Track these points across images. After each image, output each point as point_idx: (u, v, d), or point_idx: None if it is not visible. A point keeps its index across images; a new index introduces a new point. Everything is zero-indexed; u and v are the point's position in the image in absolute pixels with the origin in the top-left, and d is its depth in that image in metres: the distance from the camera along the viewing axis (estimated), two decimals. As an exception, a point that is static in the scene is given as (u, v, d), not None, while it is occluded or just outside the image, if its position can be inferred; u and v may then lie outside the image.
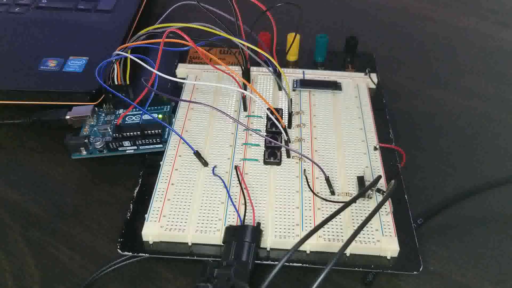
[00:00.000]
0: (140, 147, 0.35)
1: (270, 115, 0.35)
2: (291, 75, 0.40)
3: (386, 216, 0.30)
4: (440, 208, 0.33)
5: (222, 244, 0.28)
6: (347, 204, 0.27)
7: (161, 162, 0.33)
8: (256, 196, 0.31)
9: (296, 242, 0.25)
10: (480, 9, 0.55)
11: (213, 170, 0.32)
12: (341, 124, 0.36)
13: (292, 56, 0.43)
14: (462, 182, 0.35)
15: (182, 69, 0.41)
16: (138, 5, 0.48)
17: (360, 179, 0.32)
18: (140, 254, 0.28)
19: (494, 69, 0.46)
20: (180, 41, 0.33)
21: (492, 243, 0.31)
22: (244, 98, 0.37)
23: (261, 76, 0.40)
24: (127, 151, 0.35)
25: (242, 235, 0.28)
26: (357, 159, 0.33)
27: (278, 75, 0.38)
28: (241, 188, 0.31)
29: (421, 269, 0.28)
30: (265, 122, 0.36)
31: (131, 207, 0.31)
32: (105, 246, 0.30)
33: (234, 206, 0.30)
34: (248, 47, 0.35)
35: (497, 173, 0.36)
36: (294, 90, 0.39)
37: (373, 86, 0.41)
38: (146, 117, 0.35)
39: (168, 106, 0.37)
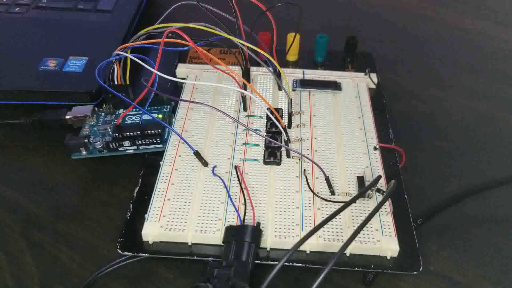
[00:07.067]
0: (140, 147, 0.35)
1: (270, 115, 0.34)
2: (291, 75, 0.40)
3: (386, 216, 0.30)
4: (440, 208, 0.33)
5: (222, 244, 0.28)
6: (347, 204, 0.27)
7: (161, 162, 0.33)
8: (256, 196, 0.31)
9: (296, 242, 0.25)
10: (480, 9, 0.55)
11: (213, 170, 0.32)
12: (341, 124, 0.36)
13: (292, 56, 0.43)
14: (462, 182, 0.35)
15: (182, 69, 0.41)
16: (138, 5, 0.48)
17: (360, 179, 0.32)
18: (140, 254, 0.28)
19: (494, 69, 0.46)
20: (180, 41, 0.33)
21: (492, 243, 0.31)
22: (244, 98, 0.37)
23: (261, 76, 0.40)
24: (127, 151, 0.35)
25: (242, 235, 0.28)
26: (357, 159, 0.33)
27: (278, 75, 0.38)
28: (241, 188, 0.31)
29: (421, 269, 0.28)
30: (265, 122, 0.36)
31: (131, 207, 0.31)
32: (105, 246, 0.30)
33: (234, 206, 0.30)
34: (248, 47, 0.35)
35: (497, 173, 0.36)
36: (294, 90, 0.39)
37: (373, 86, 0.40)
38: (146, 117, 0.35)
39: (168, 106, 0.37)
